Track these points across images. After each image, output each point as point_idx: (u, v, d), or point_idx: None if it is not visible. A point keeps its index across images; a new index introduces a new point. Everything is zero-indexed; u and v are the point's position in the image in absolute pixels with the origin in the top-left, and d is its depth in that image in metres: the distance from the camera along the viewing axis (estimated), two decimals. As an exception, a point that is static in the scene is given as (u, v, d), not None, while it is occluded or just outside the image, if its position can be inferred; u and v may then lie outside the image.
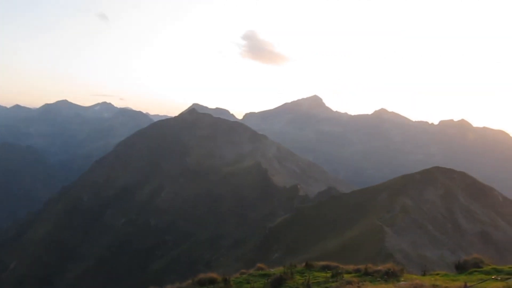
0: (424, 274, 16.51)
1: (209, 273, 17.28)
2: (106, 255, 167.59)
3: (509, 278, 13.56)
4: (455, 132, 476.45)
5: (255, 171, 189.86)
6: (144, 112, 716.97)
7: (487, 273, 15.36)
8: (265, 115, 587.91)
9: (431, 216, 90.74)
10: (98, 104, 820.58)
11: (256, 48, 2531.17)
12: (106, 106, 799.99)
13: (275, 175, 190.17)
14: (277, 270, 17.85)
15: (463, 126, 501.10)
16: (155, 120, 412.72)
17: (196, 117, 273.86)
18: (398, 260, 58.43)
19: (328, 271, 16.91)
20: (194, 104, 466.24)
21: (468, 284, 9.23)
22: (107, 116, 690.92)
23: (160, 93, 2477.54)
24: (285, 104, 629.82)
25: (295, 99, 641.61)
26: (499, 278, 12.72)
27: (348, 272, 16.41)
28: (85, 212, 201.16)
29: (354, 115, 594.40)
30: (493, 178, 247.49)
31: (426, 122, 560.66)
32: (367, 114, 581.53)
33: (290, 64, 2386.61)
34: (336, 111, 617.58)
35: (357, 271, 16.41)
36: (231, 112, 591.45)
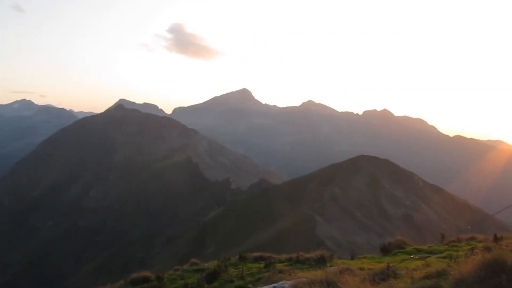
0: (352, 258, 17.25)
1: (143, 272, 16.95)
2: (34, 260, 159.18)
3: (428, 256, 14.52)
4: (379, 121, 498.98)
5: (186, 166, 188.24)
6: (68, 109, 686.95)
7: (409, 253, 16.34)
8: (194, 110, 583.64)
9: (358, 203, 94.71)
10: (16, 101, 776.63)
11: (183, 42, 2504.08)
12: (25, 103, 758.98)
13: (206, 169, 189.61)
14: (211, 264, 17.88)
15: (385, 115, 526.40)
16: (80, 117, 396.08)
17: (123, 113, 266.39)
18: (329, 247, 60.62)
19: (261, 262, 17.19)
20: (121, 100, 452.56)
21: (391, 265, 9.77)
22: (27, 114, 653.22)
23: (84, 89, 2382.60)
24: (215, 98, 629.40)
25: (224, 92, 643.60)
26: (417, 257, 13.60)
27: (281, 262, 16.79)
28: (8, 216, 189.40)
29: (283, 107, 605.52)
30: (414, 164, 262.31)
31: (352, 113, 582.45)
32: (296, 106, 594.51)
33: (219, 58, 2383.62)
34: (265, 104, 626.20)
35: (289, 260, 16.83)
36: (159, 107, 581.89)
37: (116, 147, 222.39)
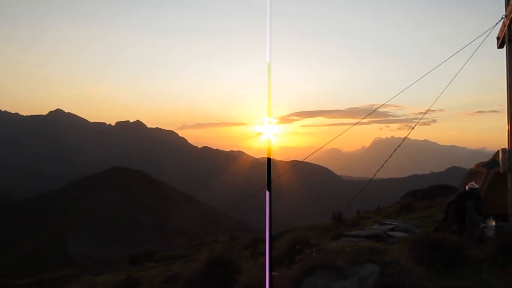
0: (101, 273, 17.22)
1: None
2: None
3: (174, 262, 15.65)
4: (131, 132, 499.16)
5: None
6: None
7: (157, 261, 17.26)
8: None
9: (112, 215, 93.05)
10: None
11: None
12: None
13: None
14: None
15: (138, 127, 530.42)
16: None
17: None
18: (81, 264, 57.86)
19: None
20: None
21: (133, 274, 10.34)
22: None
23: None
24: None
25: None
26: (161, 264, 14.60)
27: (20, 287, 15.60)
28: None
29: (27, 116, 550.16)
30: (166, 174, 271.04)
31: (104, 124, 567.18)
32: (42, 115, 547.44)
33: None
34: (6, 111, 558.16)
35: (31, 284, 15.77)
36: None
37: None
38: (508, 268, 6.66)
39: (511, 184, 9.56)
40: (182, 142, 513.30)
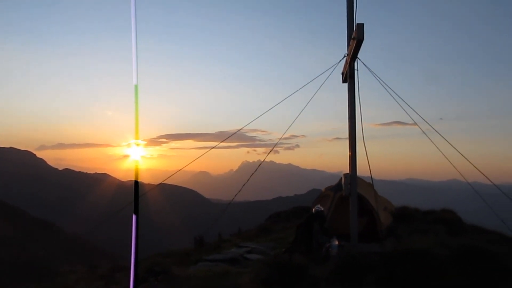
0: None
1: None
2: None
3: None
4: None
5: None
6: None
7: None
8: None
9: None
10: None
11: None
12: None
13: None
14: None
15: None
16: None
17: None
18: None
19: None
20: None
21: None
22: None
23: None
24: None
25: None
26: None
27: None
28: None
29: None
30: (24, 198, 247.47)
31: None
32: None
33: None
34: None
35: None
36: None
37: None
38: (347, 284, 7.19)
39: (352, 206, 10.42)
40: (40, 163, 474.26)
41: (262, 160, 12.73)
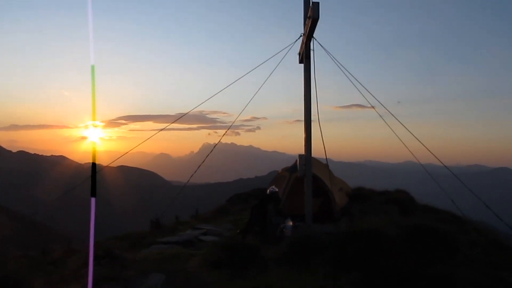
0: None
1: None
2: None
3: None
4: None
5: None
6: None
7: None
8: None
9: None
10: None
11: None
12: None
13: None
14: None
15: None
16: None
17: None
18: None
19: None
20: None
21: None
22: None
23: None
24: None
25: None
26: None
27: None
28: None
29: None
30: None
31: None
32: None
33: None
34: None
35: None
36: None
37: None
38: (297, 265, 7.14)
39: (307, 187, 10.39)
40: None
41: (220, 140, 12.52)
